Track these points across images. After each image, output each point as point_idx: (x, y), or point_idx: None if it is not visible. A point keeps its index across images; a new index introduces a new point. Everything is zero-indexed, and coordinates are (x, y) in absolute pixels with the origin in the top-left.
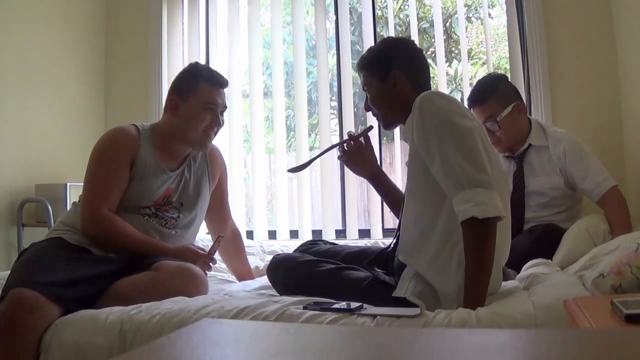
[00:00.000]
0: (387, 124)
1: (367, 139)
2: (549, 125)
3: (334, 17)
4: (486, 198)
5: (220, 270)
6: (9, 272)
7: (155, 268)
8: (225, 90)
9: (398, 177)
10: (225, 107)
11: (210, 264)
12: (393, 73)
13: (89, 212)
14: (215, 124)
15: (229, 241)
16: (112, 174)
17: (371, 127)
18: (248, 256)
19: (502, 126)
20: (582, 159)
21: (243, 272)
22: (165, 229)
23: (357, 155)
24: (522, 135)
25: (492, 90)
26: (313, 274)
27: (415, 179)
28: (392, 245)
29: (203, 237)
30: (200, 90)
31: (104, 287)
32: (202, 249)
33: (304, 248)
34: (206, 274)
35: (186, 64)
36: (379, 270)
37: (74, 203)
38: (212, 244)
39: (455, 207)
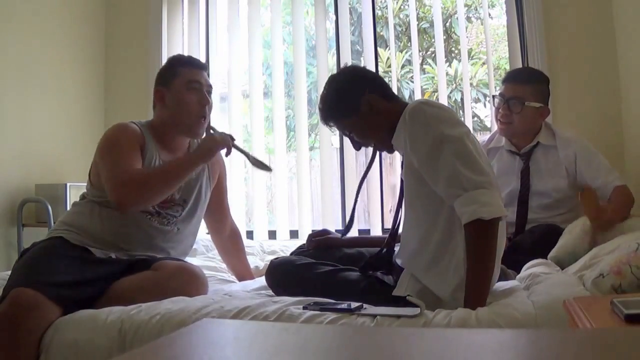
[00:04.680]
0: (388, 149)
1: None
2: (554, 127)
3: (334, 17)
4: (489, 199)
5: (220, 270)
6: (8, 272)
7: (155, 268)
8: (224, 87)
9: (398, 176)
10: (211, 87)
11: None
12: (363, 100)
13: (117, 183)
14: (203, 101)
15: (229, 241)
16: (127, 154)
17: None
18: (248, 256)
19: (522, 114)
20: (593, 159)
21: (243, 272)
22: (166, 227)
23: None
24: (530, 134)
25: (536, 80)
26: (311, 276)
27: (412, 188)
28: (384, 250)
29: (203, 238)
30: (180, 73)
31: (104, 288)
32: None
33: (301, 251)
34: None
35: None
36: (375, 272)
37: (74, 203)
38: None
39: (459, 209)
